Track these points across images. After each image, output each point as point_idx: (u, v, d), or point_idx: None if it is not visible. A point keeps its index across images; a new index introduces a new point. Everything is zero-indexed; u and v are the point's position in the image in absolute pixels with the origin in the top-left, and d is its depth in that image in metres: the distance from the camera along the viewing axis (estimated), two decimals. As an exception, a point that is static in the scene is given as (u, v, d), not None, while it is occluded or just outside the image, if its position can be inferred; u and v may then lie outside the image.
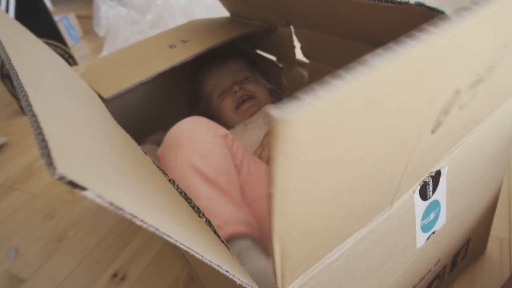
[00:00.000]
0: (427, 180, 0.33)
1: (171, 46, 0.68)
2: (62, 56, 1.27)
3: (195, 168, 0.48)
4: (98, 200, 0.17)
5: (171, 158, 0.50)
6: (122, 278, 0.67)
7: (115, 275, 0.67)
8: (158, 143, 0.64)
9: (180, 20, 1.28)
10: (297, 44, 0.74)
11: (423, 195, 0.33)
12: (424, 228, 0.36)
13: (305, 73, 0.78)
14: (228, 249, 0.28)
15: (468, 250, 0.52)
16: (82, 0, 2.26)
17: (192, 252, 0.21)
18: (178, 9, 1.33)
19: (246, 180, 0.54)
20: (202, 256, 0.21)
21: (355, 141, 0.20)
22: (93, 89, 0.58)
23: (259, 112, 0.75)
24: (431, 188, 0.33)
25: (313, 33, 0.65)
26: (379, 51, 0.17)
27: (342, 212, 0.24)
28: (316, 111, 0.16)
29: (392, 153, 0.23)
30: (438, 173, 0.33)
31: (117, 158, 0.28)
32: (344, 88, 0.16)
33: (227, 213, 0.45)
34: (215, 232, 0.30)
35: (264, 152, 0.63)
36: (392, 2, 0.42)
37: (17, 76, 0.28)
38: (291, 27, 0.70)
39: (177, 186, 0.35)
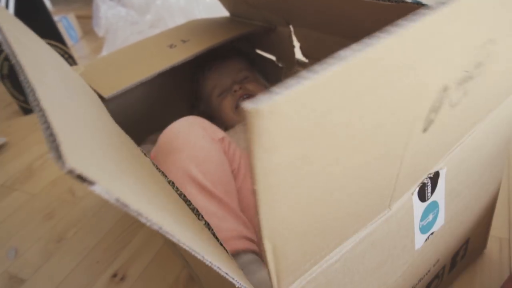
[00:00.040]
0: (426, 182, 0.32)
1: (171, 46, 0.68)
2: (62, 56, 1.27)
3: (191, 177, 0.46)
4: (106, 196, 0.17)
5: (166, 163, 0.48)
6: (122, 278, 0.67)
7: (114, 275, 0.67)
8: (158, 144, 0.63)
9: (180, 20, 1.28)
10: (296, 44, 0.74)
11: (422, 196, 0.33)
12: (423, 229, 0.36)
13: (304, 72, 0.77)
14: (227, 251, 0.28)
15: (468, 250, 0.52)
16: (82, 0, 2.26)
17: (193, 253, 0.21)
18: (178, 9, 1.33)
19: (243, 184, 0.53)
20: (203, 257, 0.21)
21: (337, 137, 0.19)
22: (93, 88, 0.58)
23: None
24: (429, 190, 0.33)
25: (313, 32, 0.65)
26: (353, 45, 0.17)
27: (336, 212, 0.24)
28: (286, 102, 0.15)
29: (381, 151, 0.23)
30: (437, 174, 0.33)
31: (118, 158, 0.28)
32: (314, 80, 0.16)
33: (227, 229, 0.44)
34: (214, 235, 0.30)
35: None
36: (389, 0, 0.42)
37: (23, 71, 0.28)
38: (291, 26, 0.70)
39: (176, 188, 0.35)
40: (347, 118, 0.19)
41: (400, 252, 0.35)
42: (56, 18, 1.57)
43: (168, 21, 1.34)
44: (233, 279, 0.23)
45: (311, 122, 0.17)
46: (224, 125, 0.79)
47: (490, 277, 0.56)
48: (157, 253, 0.70)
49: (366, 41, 0.17)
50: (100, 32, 1.46)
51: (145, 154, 0.40)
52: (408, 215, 0.33)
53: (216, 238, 0.29)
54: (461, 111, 0.29)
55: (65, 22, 1.76)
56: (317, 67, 0.16)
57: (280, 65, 0.83)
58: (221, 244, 0.29)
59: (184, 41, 0.69)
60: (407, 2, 0.41)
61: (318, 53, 0.69)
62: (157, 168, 0.38)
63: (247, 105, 0.14)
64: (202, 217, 0.31)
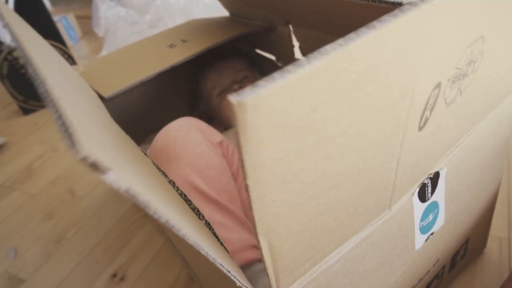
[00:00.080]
0: (426, 182, 0.32)
1: (170, 46, 0.68)
2: (61, 56, 1.27)
3: (194, 186, 0.45)
4: (117, 185, 0.17)
5: (165, 170, 0.46)
6: (122, 278, 0.67)
7: (114, 275, 0.67)
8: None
9: (179, 20, 1.28)
10: (296, 44, 0.74)
11: (422, 197, 0.33)
12: (423, 230, 0.36)
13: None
14: (227, 251, 0.28)
15: (467, 250, 0.52)
16: (81, 0, 2.26)
17: (198, 248, 0.21)
18: (177, 9, 1.33)
19: (243, 185, 0.52)
20: (207, 253, 0.21)
21: (327, 132, 0.19)
22: (92, 88, 0.58)
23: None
24: (429, 190, 0.33)
25: (312, 32, 0.65)
26: (338, 40, 0.17)
27: (334, 211, 0.24)
28: (271, 96, 0.15)
29: (375, 148, 0.23)
30: (437, 175, 0.33)
31: (122, 154, 0.28)
32: (298, 74, 0.16)
33: (236, 239, 0.43)
34: (214, 234, 0.30)
35: None
36: (385, 2, 0.42)
37: (31, 64, 0.28)
38: (290, 26, 0.70)
39: (177, 187, 0.35)
40: (335, 113, 0.19)
41: (400, 253, 0.34)
42: (55, 18, 1.56)
43: (167, 21, 1.34)
44: (234, 277, 0.23)
45: (299, 117, 0.17)
46: (224, 125, 0.79)
47: (490, 276, 0.56)
48: (157, 253, 0.70)
49: (352, 36, 0.17)
50: (99, 32, 1.46)
51: (145, 154, 0.40)
52: (409, 215, 0.33)
53: (217, 237, 0.29)
54: (457, 110, 0.29)
55: (65, 22, 1.76)
56: (302, 61, 0.16)
57: (279, 64, 0.83)
58: (222, 244, 0.29)
59: (183, 41, 0.69)
60: (401, 4, 0.41)
61: (318, 52, 0.69)
62: (157, 168, 0.38)
63: (232, 98, 0.14)
64: (203, 216, 0.31)
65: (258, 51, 0.88)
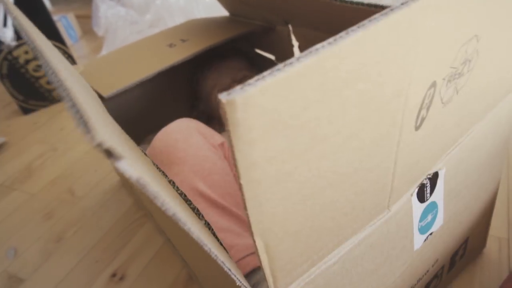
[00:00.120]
0: (425, 182, 0.32)
1: (170, 45, 0.68)
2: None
3: (199, 192, 0.45)
4: (129, 173, 0.17)
5: (166, 174, 0.47)
6: (121, 278, 0.67)
7: (114, 275, 0.67)
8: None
9: (179, 20, 1.28)
10: (295, 43, 0.73)
11: (421, 197, 0.33)
12: (422, 230, 0.36)
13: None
14: (227, 252, 0.28)
15: (467, 249, 0.52)
16: (81, -1, 2.26)
17: (201, 244, 0.21)
18: (177, 9, 1.33)
19: None
20: (209, 249, 0.21)
21: (320, 131, 0.19)
22: (92, 88, 0.58)
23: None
24: (428, 190, 0.33)
25: (312, 32, 0.65)
26: (329, 39, 0.17)
27: (331, 212, 0.24)
28: (261, 94, 0.15)
29: (371, 148, 0.23)
30: (436, 175, 0.33)
31: (127, 149, 0.28)
32: (287, 72, 0.16)
33: (244, 245, 0.42)
34: (214, 234, 0.30)
35: None
36: (382, 7, 0.43)
37: (43, 55, 0.28)
38: (290, 26, 0.70)
39: (177, 187, 0.35)
40: (328, 112, 0.19)
41: (399, 253, 0.34)
42: (55, 17, 1.56)
43: (167, 20, 1.34)
44: (234, 275, 0.23)
45: (291, 116, 0.17)
46: (223, 124, 0.79)
47: (489, 276, 0.56)
48: (157, 252, 0.70)
49: (342, 34, 0.17)
50: (99, 31, 1.46)
51: (145, 153, 0.40)
52: (407, 216, 0.32)
53: (217, 238, 0.29)
54: (455, 109, 0.29)
55: (65, 21, 1.76)
56: (292, 59, 0.16)
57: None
58: (221, 244, 0.29)
59: (183, 41, 0.69)
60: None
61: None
62: (157, 168, 0.38)
63: (222, 96, 0.15)
64: (203, 216, 0.32)
65: (258, 50, 0.88)
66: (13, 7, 0.42)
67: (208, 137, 0.51)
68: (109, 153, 0.16)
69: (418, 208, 0.33)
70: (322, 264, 0.26)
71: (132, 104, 0.79)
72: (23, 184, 0.94)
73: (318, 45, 0.17)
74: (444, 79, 0.25)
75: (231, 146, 0.16)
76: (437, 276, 0.47)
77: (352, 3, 0.44)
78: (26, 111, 1.25)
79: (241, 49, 0.88)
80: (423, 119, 0.26)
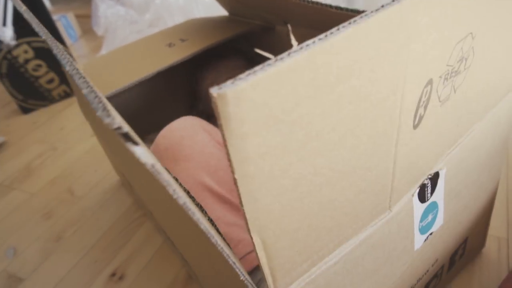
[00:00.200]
0: (426, 183, 0.32)
1: (170, 45, 0.68)
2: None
3: (206, 186, 0.45)
4: (145, 158, 0.17)
5: (172, 171, 0.47)
6: (120, 278, 0.67)
7: (113, 274, 0.67)
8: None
9: (179, 19, 1.28)
10: (294, 43, 0.73)
11: (422, 197, 0.33)
12: (422, 230, 0.36)
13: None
14: (230, 248, 0.28)
15: (466, 249, 0.52)
16: (81, -1, 2.25)
17: (208, 235, 0.21)
18: (177, 9, 1.33)
19: None
20: (216, 241, 0.22)
21: (314, 127, 0.19)
22: (91, 88, 0.58)
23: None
24: (429, 190, 0.33)
25: (311, 31, 0.65)
26: (320, 35, 0.17)
27: (329, 210, 0.24)
28: (252, 89, 0.16)
29: (368, 145, 0.23)
30: (436, 175, 0.33)
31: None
32: (278, 67, 0.16)
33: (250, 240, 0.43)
34: (218, 231, 0.30)
35: None
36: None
37: (57, 45, 0.29)
38: (289, 26, 0.70)
39: (180, 183, 0.35)
40: (321, 108, 0.19)
41: (399, 254, 0.34)
42: (55, 17, 1.56)
43: (167, 20, 1.33)
44: (238, 270, 0.23)
45: (283, 111, 0.17)
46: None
47: (488, 276, 0.56)
48: (156, 252, 0.70)
49: (333, 30, 0.17)
50: (99, 31, 1.46)
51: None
52: (409, 216, 0.32)
53: (220, 234, 0.29)
54: (453, 108, 0.29)
55: (64, 21, 1.76)
56: (283, 55, 0.16)
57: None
58: (224, 240, 0.29)
59: (183, 40, 0.69)
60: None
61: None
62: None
63: (213, 90, 0.15)
64: (206, 213, 0.32)
65: (257, 50, 0.87)
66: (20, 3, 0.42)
67: (212, 134, 0.51)
68: (127, 137, 0.16)
69: (419, 208, 0.33)
70: (323, 264, 0.26)
71: (131, 103, 0.79)
72: (23, 184, 0.94)
73: (309, 41, 0.17)
74: (440, 77, 0.25)
75: (223, 140, 0.16)
76: (436, 275, 0.48)
77: (347, 10, 0.44)
78: (25, 110, 1.25)
79: (240, 48, 0.88)
80: (421, 118, 0.26)
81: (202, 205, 0.44)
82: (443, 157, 0.33)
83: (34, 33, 1.17)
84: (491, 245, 0.60)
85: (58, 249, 0.74)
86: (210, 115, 0.82)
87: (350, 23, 0.18)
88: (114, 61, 0.69)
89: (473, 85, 0.30)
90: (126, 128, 0.17)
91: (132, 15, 1.38)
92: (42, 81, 1.24)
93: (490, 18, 0.27)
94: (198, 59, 0.69)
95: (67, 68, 0.25)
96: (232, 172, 0.17)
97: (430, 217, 0.36)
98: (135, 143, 0.17)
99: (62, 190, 0.89)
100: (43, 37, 0.33)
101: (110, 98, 0.58)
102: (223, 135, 0.16)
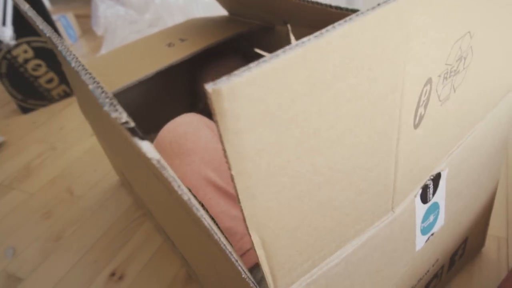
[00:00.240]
0: (428, 183, 0.32)
1: (169, 45, 0.68)
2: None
3: (210, 181, 0.45)
4: (150, 154, 0.17)
5: (176, 166, 0.47)
6: (120, 277, 0.66)
7: (113, 274, 0.67)
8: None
9: (179, 19, 1.28)
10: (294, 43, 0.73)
11: (424, 198, 0.33)
12: (424, 231, 0.36)
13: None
14: (232, 246, 0.28)
15: (466, 249, 0.52)
16: (81, -2, 2.25)
17: (212, 232, 0.21)
18: (177, 8, 1.33)
19: None
20: (219, 238, 0.21)
21: (312, 125, 0.19)
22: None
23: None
24: (431, 191, 0.33)
25: (310, 31, 0.65)
26: (316, 32, 0.17)
27: (329, 210, 0.23)
28: (247, 85, 0.15)
29: (368, 145, 0.23)
30: (438, 176, 0.33)
31: None
32: (273, 63, 0.16)
33: None
34: (219, 228, 0.30)
35: None
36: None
37: (62, 42, 0.29)
38: (288, 25, 0.70)
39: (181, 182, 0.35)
40: (318, 106, 0.19)
41: (401, 254, 0.34)
42: (54, 17, 1.56)
43: (167, 20, 1.33)
44: (240, 267, 0.23)
45: (279, 108, 0.17)
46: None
47: (488, 275, 0.56)
48: (155, 252, 0.70)
49: (328, 28, 0.17)
50: (99, 31, 1.46)
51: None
52: (411, 217, 0.32)
53: (221, 231, 0.29)
54: (454, 108, 0.29)
55: (64, 21, 1.75)
56: (278, 51, 0.16)
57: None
58: (225, 237, 0.29)
59: (182, 40, 0.69)
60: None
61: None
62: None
63: (208, 86, 0.15)
64: (208, 211, 0.32)
65: (257, 50, 0.87)
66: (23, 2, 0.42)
67: (215, 130, 0.51)
68: (134, 132, 0.16)
69: (421, 209, 0.33)
70: (324, 265, 0.26)
71: (130, 103, 0.79)
72: (22, 183, 0.93)
73: (305, 38, 0.17)
74: (439, 76, 0.25)
75: (220, 136, 0.16)
76: (437, 275, 0.48)
77: (347, 10, 0.44)
78: (25, 110, 1.25)
79: (240, 48, 0.88)
80: (421, 117, 0.26)
81: (207, 199, 0.44)
82: (444, 157, 0.33)
83: (34, 33, 1.17)
84: (490, 245, 0.60)
85: (58, 249, 0.74)
86: (210, 114, 0.82)
87: (345, 21, 0.17)
88: (113, 61, 0.69)
89: (473, 85, 0.30)
90: (132, 123, 0.17)
91: (132, 15, 1.38)
92: (42, 81, 1.24)
93: (488, 17, 0.27)
94: (198, 59, 0.69)
95: (73, 64, 0.25)
96: (229, 168, 0.17)
97: (431, 218, 0.36)
98: (142, 138, 0.17)
99: (62, 189, 0.89)
100: (47, 35, 0.33)
101: (110, 98, 0.58)
102: (219, 131, 0.16)
